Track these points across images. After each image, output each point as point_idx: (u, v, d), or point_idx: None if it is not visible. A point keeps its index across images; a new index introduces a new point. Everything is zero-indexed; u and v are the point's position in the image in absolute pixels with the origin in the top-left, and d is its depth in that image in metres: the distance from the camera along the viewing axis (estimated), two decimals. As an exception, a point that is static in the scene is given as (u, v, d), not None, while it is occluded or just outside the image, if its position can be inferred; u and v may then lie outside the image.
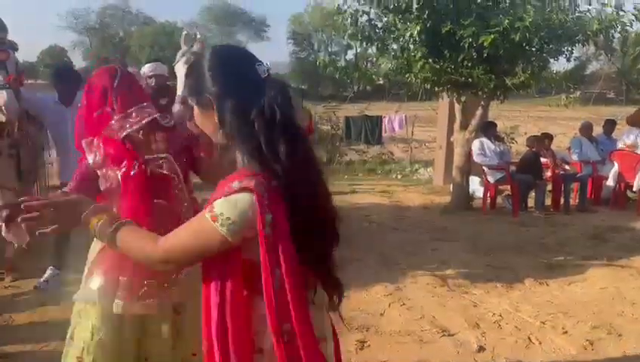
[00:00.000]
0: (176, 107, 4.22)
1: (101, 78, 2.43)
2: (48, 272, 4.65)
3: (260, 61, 1.46)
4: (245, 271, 1.46)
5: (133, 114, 2.33)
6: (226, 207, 1.38)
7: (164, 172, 2.38)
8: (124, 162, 2.33)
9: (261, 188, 1.36)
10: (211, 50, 1.56)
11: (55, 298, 4.36)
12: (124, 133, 2.32)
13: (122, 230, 1.48)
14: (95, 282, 2.34)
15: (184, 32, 4.59)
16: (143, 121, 2.34)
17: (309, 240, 1.45)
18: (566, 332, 3.86)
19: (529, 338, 3.76)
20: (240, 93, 1.41)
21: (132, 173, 2.31)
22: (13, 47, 4.19)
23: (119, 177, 2.33)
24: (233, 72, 1.46)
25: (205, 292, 1.51)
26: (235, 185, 1.38)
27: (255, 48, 44.05)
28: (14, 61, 4.22)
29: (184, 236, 1.48)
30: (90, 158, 2.39)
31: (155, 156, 2.39)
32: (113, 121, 2.33)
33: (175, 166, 2.42)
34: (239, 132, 1.40)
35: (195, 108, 1.52)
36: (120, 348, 2.33)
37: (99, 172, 2.39)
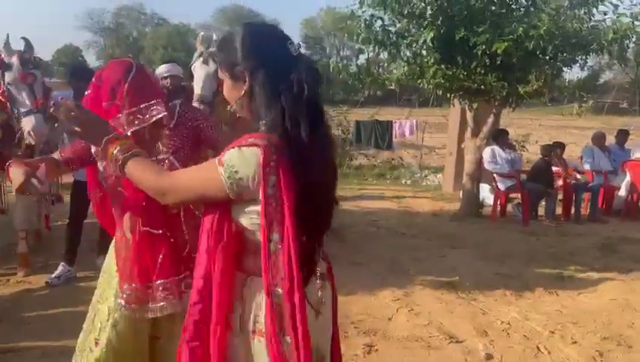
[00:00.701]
0: (195, 105, 4.27)
1: (114, 71, 2.38)
2: (60, 269, 4.69)
3: (292, 40, 1.51)
4: (237, 245, 1.54)
5: (142, 110, 2.30)
6: (235, 157, 1.43)
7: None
8: None
9: (272, 148, 1.40)
10: (246, 26, 1.59)
11: (66, 294, 4.42)
12: (132, 130, 2.26)
13: (134, 160, 1.58)
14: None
15: (201, 34, 4.62)
16: (152, 119, 2.29)
17: (307, 214, 1.46)
18: (575, 342, 3.84)
19: (538, 347, 3.75)
20: (272, 68, 1.46)
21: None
22: (39, 65, 4.22)
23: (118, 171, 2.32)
24: (267, 48, 1.50)
25: (198, 259, 1.58)
26: (250, 140, 1.42)
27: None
28: (41, 81, 4.28)
29: (189, 173, 1.61)
30: (93, 148, 2.32)
31: (157, 158, 2.35)
32: (121, 115, 2.28)
33: (178, 166, 2.37)
34: (266, 103, 1.44)
35: (226, 79, 1.57)
36: (135, 327, 2.37)
37: (99, 163, 2.35)
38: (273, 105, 1.44)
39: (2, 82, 4.13)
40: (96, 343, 2.39)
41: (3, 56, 4.09)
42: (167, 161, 2.37)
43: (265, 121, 1.46)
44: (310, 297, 1.53)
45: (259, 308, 1.53)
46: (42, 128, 4.10)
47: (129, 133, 2.24)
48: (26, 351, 3.48)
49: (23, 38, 4.17)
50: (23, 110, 4.09)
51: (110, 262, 2.44)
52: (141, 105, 2.30)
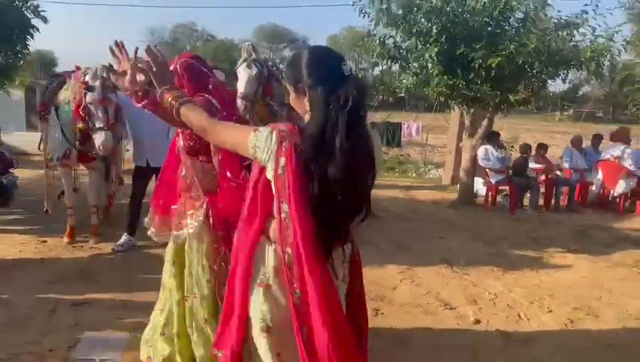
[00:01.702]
0: (239, 102, 4.30)
1: (178, 63, 2.49)
2: (123, 238, 4.79)
3: (346, 62, 1.55)
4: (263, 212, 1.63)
5: (198, 98, 2.36)
6: (265, 131, 1.51)
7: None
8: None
9: (287, 135, 1.48)
10: (309, 49, 1.64)
11: (128, 258, 4.53)
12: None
13: (186, 105, 1.71)
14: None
15: (246, 44, 4.63)
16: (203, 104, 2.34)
17: (322, 208, 1.48)
18: (551, 311, 3.83)
19: (519, 314, 3.75)
20: (326, 84, 1.49)
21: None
22: (115, 89, 4.34)
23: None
24: (324, 68, 1.54)
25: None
26: (280, 126, 1.52)
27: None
28: (114, 104, 4.45)
29: (230, 126, 1.72)
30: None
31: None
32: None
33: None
34: (319, 111, 1.49)
35: (291, 92, 1.63)
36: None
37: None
38: (321, 118, 1.47)
39: (84, 100, 4.32)
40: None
41: (88, 79, 4.23)
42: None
43: (314, 125, 1.50)
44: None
45: (264, 264, 1.61)
46: (109, 143, 4.34)
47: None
48: (95, 302, 3.58)
49: (106, 66, 4.28)
50: (97, 125, 4.32)
51: None
52: (197, 95, 2.38)
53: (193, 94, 2.35)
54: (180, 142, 2.51)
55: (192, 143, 2.45)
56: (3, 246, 4.84)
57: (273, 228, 1.59)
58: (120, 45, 2.03)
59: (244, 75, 4.41)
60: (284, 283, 1.53)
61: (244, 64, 4.46)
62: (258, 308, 1.61)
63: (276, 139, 1.47)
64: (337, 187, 1.47)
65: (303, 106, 1.58)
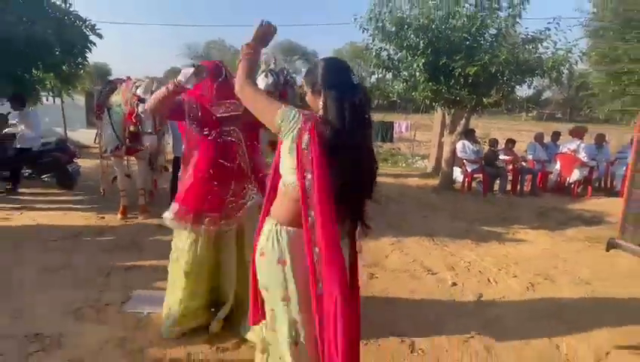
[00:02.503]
0: None
1: (210, 67, 2.41)
2: (166, 214, 4.81)
3: (354, 73, 1.58)
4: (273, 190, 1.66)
5: (227, 105, 2.38)
6: (293, 111, 1.53)
7: (232, 139, 2.42)
8: (207, 128, 2.38)
9: (309, 118, 1.50)
10: (326, 59, 1.64)
11: (170, 231, 4.54)
12: (219, 115, 2.37)
13: (247, 72, 1.70)
14: (173, 208, 2.51)
15: (264, 56, 4.60)
16: (227, 114, 2.38)
17: (340, 184, 1.48)
18: (515, 276, 3.83)
19: (488, 279, 3.75)
20: (339, 89, 1.52)
21: (209, 138, 2.38)
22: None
23: (199, 135, 2.39)
24: (337, 75, 1.57)
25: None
26: (305, 111, 1.54)
27: (308, 73, 43.89)
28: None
29: (263, 97, 1.65)
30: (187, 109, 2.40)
31: (229, 128, 2.42)
32: (215, 106, 2.38)
33: (240, 135, 2.44)
34: (333, 110, 1.50)
35: (309, 92, 1.64)
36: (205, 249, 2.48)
37: (188, 122, 2.41)
38: (337, 112, 1.50)
39: (137, 109, 4.47)
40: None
41: (140, 92, 4.25)
42: (234, 131, 2.42)
43: (329, 117, 1.52)
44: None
45: (264, 237, 1.62)
46: (155, 144, 5.07)
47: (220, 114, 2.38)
48: (143, 267, 3.63)
49: (156, 79, 4.34)
50: (147, 130, 4.80)
51: None
52: (227, 102, 2.37)
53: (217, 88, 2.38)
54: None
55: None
56: (71, 220, 4.91)
57: (280, 206, 1.61)
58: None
59: (262, 83, 4.38)
60: (300, 250, 1.51)
61: (263, 74, 4.43)
62: (279, 283, 1.59)
63: (301, 118, 1.50)
64: (351, 169, 1.50)
65: (317, 104, 1.59)
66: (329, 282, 1.45)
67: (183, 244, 2.48)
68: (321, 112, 1.55)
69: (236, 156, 2.45)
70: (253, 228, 2.39)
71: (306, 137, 1.47)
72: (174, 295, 2.53)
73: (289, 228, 1.56)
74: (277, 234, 1.57)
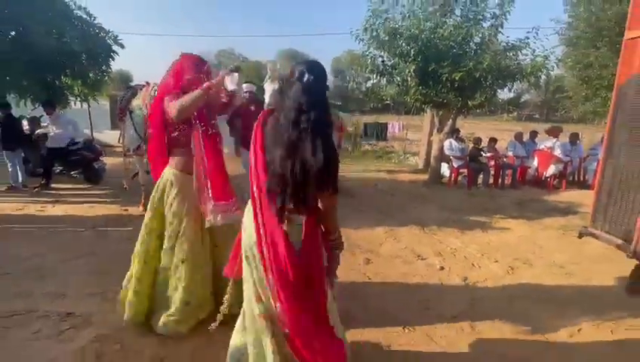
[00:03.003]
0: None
1: (192, 59, 2.34)
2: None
3: (310, 72, 1.51)
4: None
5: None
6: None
7: (217, 131, 2.37)
8: (202, 122, 2.27)
9: (263, 116, 1.61)
10: (298, 64, 1.60)
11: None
12: (238, 92, 2.42)
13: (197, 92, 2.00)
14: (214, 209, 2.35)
15: (270, 62, 4.57)
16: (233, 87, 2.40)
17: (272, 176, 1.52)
18: (497, 261, 3.83)
19: (472, 264, 3.75)
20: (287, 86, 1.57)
21: (209, 133, 2.28)
22: None
23: (197, 131, 2.25)
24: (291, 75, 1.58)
25: None
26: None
27: (310, 79, 43.75)
28: None
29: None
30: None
31: (214, 122, 2.37)
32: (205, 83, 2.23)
33: (219, 129, 2.39)
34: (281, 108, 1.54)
35: None
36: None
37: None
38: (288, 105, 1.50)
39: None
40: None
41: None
42: (216, 125, 2.37)
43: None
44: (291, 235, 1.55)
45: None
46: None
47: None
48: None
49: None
50: None
51: None
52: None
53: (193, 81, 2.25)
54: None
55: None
56: (97, 212, 4.92)
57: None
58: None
59: (269, 89, 4.36)
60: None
61: (269, 80, 4.40)
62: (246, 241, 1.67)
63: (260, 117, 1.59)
64: (282, 162, 1.48)
65: None
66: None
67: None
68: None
69: (221, 148, 2.39)
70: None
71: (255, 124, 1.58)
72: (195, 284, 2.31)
73: None
74: None
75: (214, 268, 2.40)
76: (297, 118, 1.45)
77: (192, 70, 2.29)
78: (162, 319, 2.31)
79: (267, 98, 4.34)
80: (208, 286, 2.38)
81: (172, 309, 2.31)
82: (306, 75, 1.48)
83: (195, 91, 2.16)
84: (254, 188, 1.55)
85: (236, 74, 2.24)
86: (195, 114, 2.26)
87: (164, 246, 2.35)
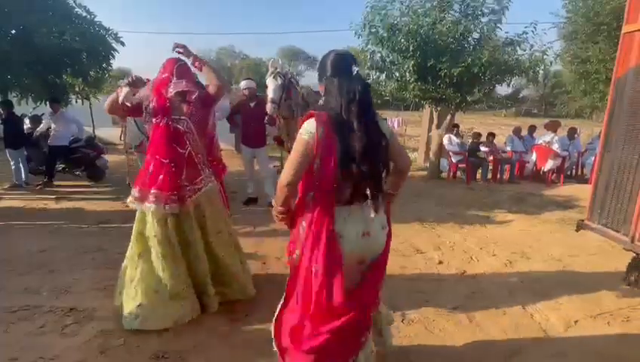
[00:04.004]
0: (269, 105, 4.24)
1: (171, 59, 2.45)
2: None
3: (356, 64, 1.58)
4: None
5: (182, 82, 2.38)
6: (305, 124, 1.52)
7: (180, 127, 2.38)
8: (159, 116, 2.36)
9: (320, 116, 1.50)
10: (327, 53, 1.64)
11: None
12: (174, 90, 2.35)
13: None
14: (134, 192, 2.44)
15: (272, 60, 4.57)
16: (179, 89, 2.36)
17: (349, 163, 1.49)
18: (495, 255, 3.83)
19: (471, 257, 3.75)
20: (335, 76, 1.55)
21: (161, 124, 2.36)
22: None
23: (153, 124, 2.38)
24: (338, 66, 1.58)
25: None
26: (311, 116, 1.52)
27: (310, 75, 43.68)
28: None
29: (291, 155, 1.55)
30: (145, 103, 2.40)
31: (179, 117, 2.38)
32: (170, 84, 2.37)
33: (190, 125, 2.39)
34: (331, 97, 1.52)
35: (319, 84, 1.64)
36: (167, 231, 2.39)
37: (145, 116, 2.42)
38: (337, 99, 1.50)
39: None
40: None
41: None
42: (185, 121, 2.38)
43: (331, 106, 1.52)
44: (359, 216, 1.58)
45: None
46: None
47: (173, 93, 2.35)
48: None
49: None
50: None
51: None
52: (179, 81, 2.38)
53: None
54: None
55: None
56: (99, 208, 4.93)
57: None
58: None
59: (271, 85, 4.34)
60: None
61: (272, 76, 4.38)
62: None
63: (314, 119, 1.50)
64: (357, 157, 1.48)
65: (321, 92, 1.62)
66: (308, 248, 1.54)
67: (150, 228, 2.38)
68: (321, 100, 1.56)
69: (186, 143, 2.39)
70: (214, 211, 2.49)
71: (320, 129, 1.48)
72: (155, 279, 2.38)
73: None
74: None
75: (215, 261, 2.54)
76: (359, 111, 1.49)
77: (164, 70, 2.45)
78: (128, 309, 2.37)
79: (271, 93, 4.33)
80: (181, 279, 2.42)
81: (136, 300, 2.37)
82: (353, 66, 1.54)
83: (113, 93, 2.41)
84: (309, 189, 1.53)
85: (126, 89, 2.35)
86: (149, 109, 2.40)
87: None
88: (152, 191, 2.35)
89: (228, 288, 2.62)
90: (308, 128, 1.50)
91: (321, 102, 1.59)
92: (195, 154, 2.43)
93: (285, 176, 1.53)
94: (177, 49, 2.42)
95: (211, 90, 2.45)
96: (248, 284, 2.73)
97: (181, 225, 2.43)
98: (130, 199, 2.44)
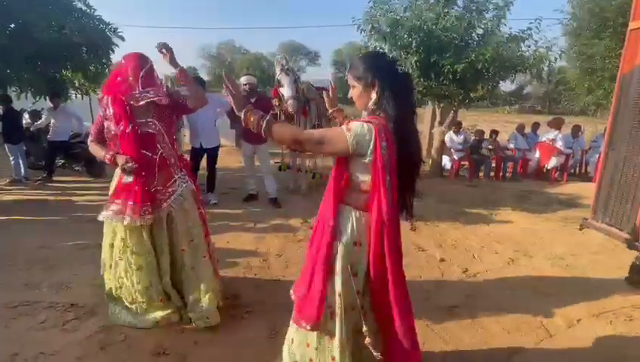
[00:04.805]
0: (290, 102, 4.22)
1: (134, 59, 2.20)
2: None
3: (400, 64, 1.56)
4: (345, 183, 1.54)
5: (150, 92, 2.19)
6: (358, 127, 1.44)
7: (150, 130, 2.26)
8: (122, 122, 2.18)
9: (380, 126, 1.44)
10: (370, 55, 1.64)
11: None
12: (143, 102, 2.18)
13: (275, 124, 1.52)
14: (113, 206, 2.32)
15: (278, 57, 4.55)
16: (151, 99, 2.19)
17: (402, 171, 1.50)
18: (497, 253, 3.83)
19: (473, 255, 3.75)
20: (394, 81, 1.48)
21: (127, 131, 2.19)
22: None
23: (118, 132, 2.19)
24: (389, 68, 1.51)
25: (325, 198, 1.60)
26: (368, 120, 1.46)
27: (311, 71, 43.60)
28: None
29: (323, 131, 1.52)
30: (101, 111, 2.27)
31: (145, 120, 2.24)
32: (136, 92, 2.16)
33: (158, 126, 2.26)
34: (391, 101, 1.46)
35: (358, 86, 1.53)
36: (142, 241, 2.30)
37: (105, 122, 2.26)
38: (393, 102, 1.45)
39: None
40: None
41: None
42: (153, 123, 2.24)
43: (388, 110, 1.46)
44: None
45: (351, 225, 1.56)
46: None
47: (143, 103, 2.17)
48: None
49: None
50: None
51: None
52: (148, 89, 2.18)
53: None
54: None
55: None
56: (99, 203, 4.92)
57: (355, 197, 1.55)
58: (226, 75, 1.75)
59: (286, 81, 4.33)
60: (368, 237, 1.55)
61: (283, 73, 4.35)
62: (347, 259, 1.56)
63: (374, 131, 1.43)
64: (412, 165, 1.53)
65: (367, 97, 1.51)
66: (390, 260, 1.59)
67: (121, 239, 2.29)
68: (371, 104, 1.50)
69: (157, 146, 2.28)
70: (184, 214, 2.33)
71: (384, 144, 1.43)
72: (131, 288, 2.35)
73: (362, 212, 1.57)
74: (355, 218, 1.56)
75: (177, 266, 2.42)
76: (411, 115, 1.52)
77: (124, 70, 2.24)
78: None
79: (288, 90, 4.29)
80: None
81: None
82: (399, 69, 1.50)
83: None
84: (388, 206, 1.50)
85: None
86: (107, 115, 2.24)
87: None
88: (129, 203, 2.24)
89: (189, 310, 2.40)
90: (364, 131, 1.44)
91: (371, 105, 1.51)
92: (167, 156, 2.32)
93: (309, 136, 1.49)
94: (162, 50, 2.21)
95: (191, 103, 2.32)
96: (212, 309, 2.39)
97: (153, 232, 2.34)
98: (104, 214, 2.32)
